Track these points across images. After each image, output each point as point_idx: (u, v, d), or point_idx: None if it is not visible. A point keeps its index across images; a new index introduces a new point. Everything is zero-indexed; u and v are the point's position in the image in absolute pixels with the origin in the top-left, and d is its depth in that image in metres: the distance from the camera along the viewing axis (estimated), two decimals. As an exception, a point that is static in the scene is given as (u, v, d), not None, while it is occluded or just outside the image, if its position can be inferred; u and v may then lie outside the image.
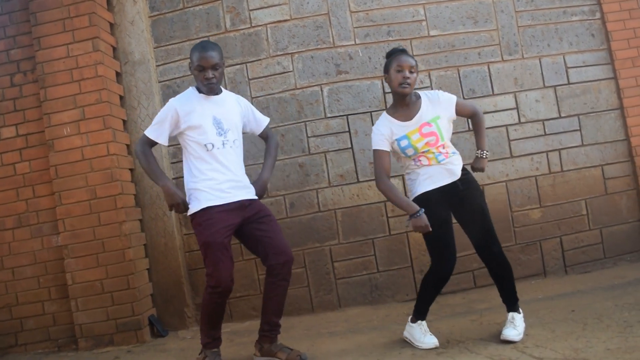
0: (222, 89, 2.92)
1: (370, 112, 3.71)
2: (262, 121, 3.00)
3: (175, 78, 3.78)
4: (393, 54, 2.81)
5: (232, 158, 2.79)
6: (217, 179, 2.74)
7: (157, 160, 2.87)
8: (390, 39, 3.75)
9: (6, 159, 3.66)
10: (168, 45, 3.81)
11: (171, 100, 2.82)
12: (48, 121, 3.52)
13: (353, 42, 3.75)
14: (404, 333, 2.87)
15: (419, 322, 2.83)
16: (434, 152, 2.70)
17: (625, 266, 3.73)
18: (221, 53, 2.79)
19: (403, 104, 2.76)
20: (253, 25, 3.78)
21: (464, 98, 3.73)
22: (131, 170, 3.71)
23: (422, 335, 2.78)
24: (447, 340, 2.79)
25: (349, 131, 3.71)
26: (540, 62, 3.81)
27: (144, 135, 2.80)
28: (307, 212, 3.68)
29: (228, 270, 2.71)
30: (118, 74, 3.75)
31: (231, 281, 2.72)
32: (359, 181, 3.69)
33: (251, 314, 3.70)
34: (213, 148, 2.75)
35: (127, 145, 3.71)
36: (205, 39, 3.73)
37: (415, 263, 3.67)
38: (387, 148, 2.77)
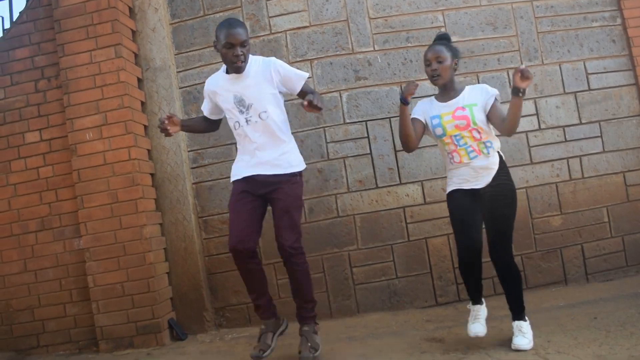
0: (250, 57, 2.82)
1: (389, 117, 3.71)
2: (296, 80, 2.84)
3: (195, 84, 3.82)
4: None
5: (259, 134, 2.78)
6: (244, 159, 2.84)
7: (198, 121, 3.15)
8: (409, 45, 3.76)
9: (30, 163, 3.72)
10: (189, 51, 3.85)
11: (207, 80, 3.01)
12: (71, 126, 3.58)
13: (372, 49, 3.76)
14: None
15: (472, 305, 2.93)
16: (466, 141, 2.71)
17: (648, 274, 3.69)
18: (247, 31, 2.78)
19: (444, 91, 2.84)
20: (273, 32, 3.81)
21: (483, 104, 3.74)
22: (152, 175, 3.75)
23: (470, 320, 2.87)
24: (467, 347, 2.77)
25: (368, 137, 3.71)
26: (560, 68, 3.79)
27: None
28: (326, 218, 3.69)
29: (237, 231, 2.75)
30: (139, 80, 3.81)
31: (239, 242, 2.72)
32: (377, 187, 3.69)
33: (269, 319, 3.72)
34: (239, 127, 2.82)
35: (148, 151, 3.75)
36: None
37: (434, 269, 3.65)
38: (419, 117, 2.87)
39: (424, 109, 2.88)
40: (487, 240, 2.76)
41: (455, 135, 2.74)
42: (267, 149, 2.79)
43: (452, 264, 3.65)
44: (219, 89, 2.85)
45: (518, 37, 3.80)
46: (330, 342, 3.14)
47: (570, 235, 3.72)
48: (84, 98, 3.58)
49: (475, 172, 2.74)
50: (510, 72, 3.75)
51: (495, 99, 2.74)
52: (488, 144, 2.73)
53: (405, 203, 3.69)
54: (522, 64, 2.75)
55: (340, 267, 3.68)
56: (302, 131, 3.72)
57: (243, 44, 2.68)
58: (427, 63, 2.79)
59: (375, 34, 3.77)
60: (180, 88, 3.85)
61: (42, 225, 3.70)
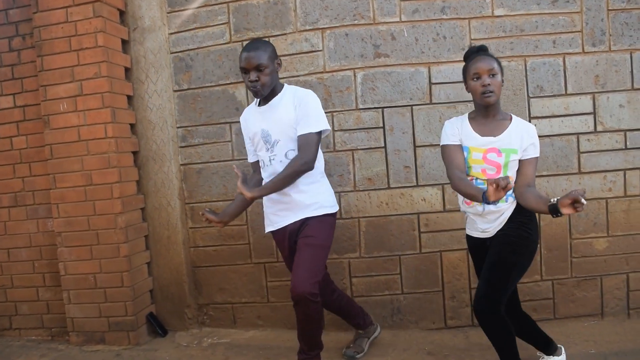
0: (286, 85, 2.57)
1: (411, 105, 3.09)
2: (299, 127, 2.44)
3: (189, 50, 3.28)
4: (469, 57, 2.27)
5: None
6: (267, 204, 2.62)
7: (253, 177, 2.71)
8: (445, 17, 3.07)
9: (3, 131, 3.36)
10: (183, 10, 3.28)
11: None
12: (44, 94, 3.15)
13: (398, 19, 3.09)
14: None
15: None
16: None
17: None
18: (270, 51, 2.43)
19: (487, 114, 2.24)
20: (280, -8, 3.20)
21: (528, 96, 3.06)
22: (135, 153, 3.32)
23: None
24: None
25: (384, 127, 3.12)
26: (631, 57, 3.01)
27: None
28: (327, 218, 3.20)
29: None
30: (126, 42, 3.30)
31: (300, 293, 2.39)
32: (389, 187, 3.14)
33: (256, 323, 3.34)
34: (264, 165, 2.55)
35: (132, 125, 3.30)
36: (224, 5, 3.21)
37: (447, 288, 3.15)
38: (459, 143, 2.28)
39: (457, 132, 2.28)
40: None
41: (477, 179, 2.21)
42: (292, 191, 2.51)
43: (469, 284, 3.13)
44: (249, 118, 2.61)
45: (583, 14, 3.03)
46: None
47: (615, 261, 3.10)
48: (58, 62, 3.11)
49: (485, 219, 2.27)
50: (568, 59, 3.04)
51: (535, 157, 2.23)
52: (508, 192, 2.16)
53: (421, 209, 3.13)
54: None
55: (339, 276, 3.21)
56: (307, 115, 3.17)
57: (258, 68, 2.40)
58: (476, 76, 2.18)
59: (403, 0, 3.09)
60: (171, 53, 3.31)
61: (15, 200, 3.38)
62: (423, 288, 3.16)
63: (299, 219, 2.52)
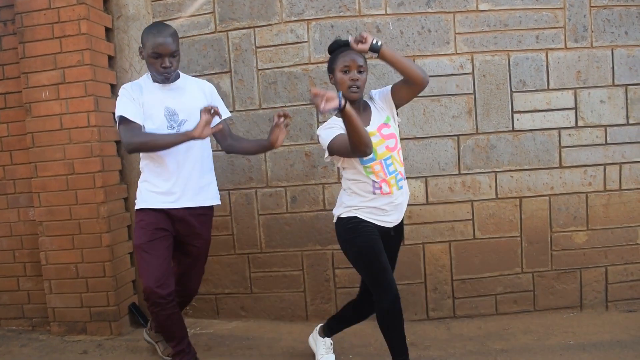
0: (181, 73, 2.57)
1: (396, 98, 3.12)
2: (222, 113, 2.53)
3: (173, 39, 3.27)
4: (336, 50, 2.32)
5: (186, 156, 2.46)
6: (157, 184, 2.48)
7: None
8: (430, 10, 3.08)
9: (-17, 119, 3.31)
10: (167, -1, 3.28)
11: (122, 86, 2.50)
12: (26, 81, 3.10)
13: (383, 12, 3.09)
14: (310, 337, 2.81)
15: (326, 338, 2.72)
16: (395, 167, 2.31)
17: (681, 309, 3.15)
18: (177, 37, 2.44)
19: (356, 109, 2.23)
20: (265, -17, 3.18)
21: (511, 91, 3.09)
22: (117, 142, 3.29)
23: (325, 351, 2.69)
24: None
25: (368, 119, 3.14)
26: (612, 53, 3.06)
27: (121, 122, 2.43)
28: (310, 210, 3.20)
29: (153, 274, 2.37)
30: (109, 30, 3.27)
31: (158, 287, 2.35)
32: (373, 179, 3.16)
33: (239, 314, 3.34)
34: None
35: (114, 114, 3.26)
36: (210, -5, 3.19)
37: (429, 279, 3.17)
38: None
39: (341, 125, 2.24)
40: None
41: (386, 159, 2.27)
42: (194, 174, 2.52)
43: (451, 276, 3.16)
44: (147, 94, 2.46)
45: (565, 9, 3.06)
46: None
47: (594, 255, 3.15)
48: (40, 50, 3.07)
49: (395, 207, 2.36)
50: (550, 54, 3.08)
51: (391, 87, 2.37)
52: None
53: (404, 201, 3.16)
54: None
55: (322, 267, 3.23)
56: (291, 105, 3.15)
57: (173, 54, 2.41)
58: (345, 69, 2.25)
59: (389, -7, 3.11)
60: (156, 42, 3.30)
61: (-5, 189, 3.34)
62: (405, 280, 3.18)
63: (192, 205, 2.53)
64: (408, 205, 3.10)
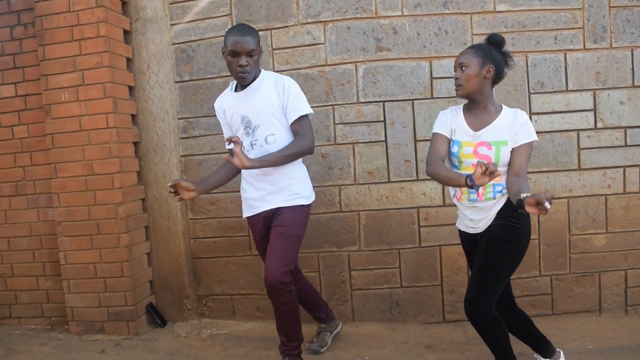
0: (263, 71, 2.55)
1: (412, 100, 3.09)
2: (292, 112, 2.48)
3: (191, 41, 3.27)
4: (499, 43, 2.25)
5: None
6: (246, 189, 2.61)
7: (230, 168, 2.62)
8: (446, 11, 3.07)
9: (4, 120, 3.35)
10: (185, 1, 3.28)
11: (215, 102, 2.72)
12: (46, 83, 3.14)
13: (400, 13, 3.09)
14: None
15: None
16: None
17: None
18: (258, 38, 2.44)
19: (477, 106, 2.24)
20: (282, -16, 3.19)
21: (529, 92, 3.07)
22: (135, 143, 3.33)
23: None
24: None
25: (385, 121, 3.12)
26: (632, 54, 3.02)
27: None
28: (326, 211, 3.20)
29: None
30: (127, 33, 3.30)
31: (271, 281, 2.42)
32: (390, 181, 3.14)
33: (255, 315, 3.35)
34: (244, 151, 2.45)
35: (133, 116, 3.30)
36: (227, -3, 3.21)
37: (445, 282, 3.16)
38: (447, 134, 2.29)
39: (449, 125, 2.28)
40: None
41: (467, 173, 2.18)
42: (272, 178, 2.55)
43: (467, 278, 3.15)
44: (226, 104, 2.58)
45: (584, 10, 3.03)
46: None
47: (614, 258, 3.11)
48: (60, 52, 3.11)
49: (473, 212, 2.26)
50: (569, 55, 3.05)
51: (530, 144, 2.18)
52: (497, 187, 2.18)
53: (421, 203, 3.14)
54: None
55: (338, 269, 3.23)
56: (308, 107, 3.18)
57: (250, 54, 2.41)
58: (454, 68, 2.25)
59: (405, -6, 3.10)
60: (173, 44, 3.31)
61: (16, 189, 3.38)
62: (422, 282, 3.17)
63: (275, 206, 2.53)
64: (424, 207, 3.15)
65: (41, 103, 3.23)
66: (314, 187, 3.14)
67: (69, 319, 3.27)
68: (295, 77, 3.16)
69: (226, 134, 2.67)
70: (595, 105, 3.06)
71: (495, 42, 2.23)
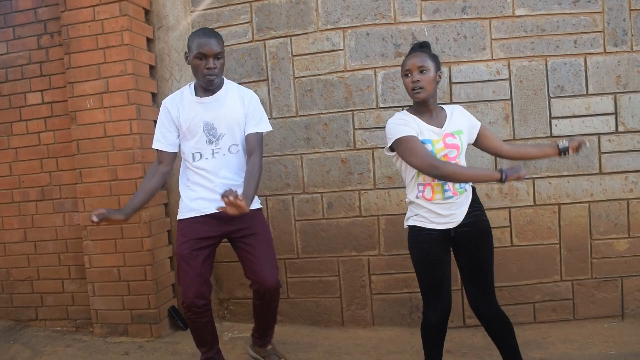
0: (226, 80, 2.55)
1: (431, 104, 3.13)
2: (254, 125, 2.49)
3: (212, 48, 3.35)
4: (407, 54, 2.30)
5: (224, 167, 2.47)
6: (198, 191, 2.49)
7: (149, 186, 2.53)
8: (465, 17, 3.08)
9: (31, 127, 3.44)
10: (206, 9, 3.34)
11: (163, 100, 2.55)
12: (71, 91, 3.22)
13: (419, 19, 3.11)
14: None
15: None
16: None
17: None
18: (223, 42, 2.44)
19: (425, 109, 2.23)
20: (302, -9, 3.23)
21: (549, 96, 3.06)
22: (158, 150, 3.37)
23: None
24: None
25: (404, 126, 3.15)
26: (654, 57, 3.03)
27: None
28: (346, 216, 3.23)
29: (193, 286, 2.44)
30: (150, 41, 3.37)
31: (197, 298, 2.44)
32: (409, 185, 3.17)
33: (276, 319, 3.38)
34: (201, 158, 2.46)
35: (155, 122, 3.35)
36: (247, 4, 3.26)
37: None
38: (417, 135, 2.19)
39: (413, 127, 2.19)
40: (467, 288, 2.28)
41: None
42: (230, 184, 2.45)
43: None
44: (186, 108, 2.47)
45: (604, 13, 3.03)
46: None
47: (636, 263, 3.08)
48: (85, 60, 3.19)
49: (446, 209, 2.21)
50: (589, 59, 3.04)
51: (481, 127, 2.33)
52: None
53: (440, 207, 3.16)
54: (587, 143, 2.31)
55: (358, 273, 3.25)
56: (327, 113, 3.20)
57: (217, 56, 2.40)
58: (406, 73, 2.20)
59: (424, 0, 3.11)
60: (195, 52, 3.39)
61: (42, 194, 3.47)
62: (441, 286, 3.18)
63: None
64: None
65: (67, 110, 3.32)
66: (333, 192, 3.22)
67: (93, 321, 3.34)
68: (315, 83, 3.22)
69: (164, 135, 2.52)
70: (616, 108, 3.05)
71: (427, 46, 2.29)
